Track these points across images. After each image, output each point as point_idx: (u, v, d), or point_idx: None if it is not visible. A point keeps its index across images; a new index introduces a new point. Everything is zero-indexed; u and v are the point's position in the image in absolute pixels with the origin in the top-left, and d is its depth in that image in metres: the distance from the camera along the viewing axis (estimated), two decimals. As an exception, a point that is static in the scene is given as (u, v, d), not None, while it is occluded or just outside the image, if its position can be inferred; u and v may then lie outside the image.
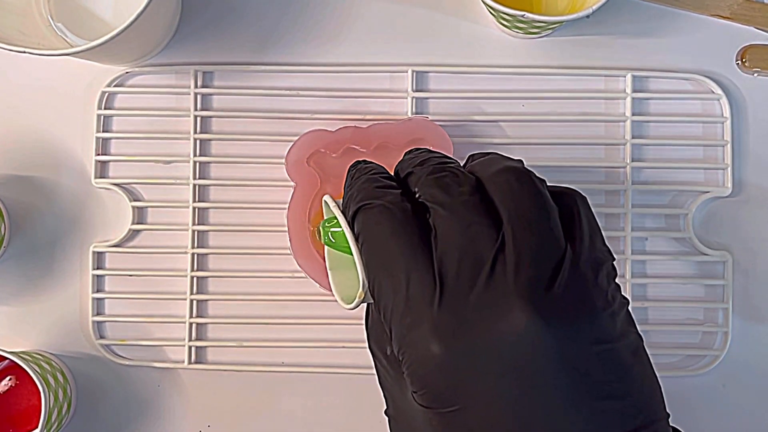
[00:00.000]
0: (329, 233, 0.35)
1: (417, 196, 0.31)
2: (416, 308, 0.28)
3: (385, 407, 0.33)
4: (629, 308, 0.30)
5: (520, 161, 0.32)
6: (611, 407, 0.27)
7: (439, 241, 0.29)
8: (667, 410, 0.30)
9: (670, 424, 0.30)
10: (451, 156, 0.34)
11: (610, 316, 0.28)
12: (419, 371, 0.28)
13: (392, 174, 0.34)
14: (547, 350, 0.27)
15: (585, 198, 0.31)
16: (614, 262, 0.31)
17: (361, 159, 0.35)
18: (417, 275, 0.29)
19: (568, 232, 0.29)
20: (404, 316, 0.29)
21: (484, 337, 0.27)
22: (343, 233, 0.33)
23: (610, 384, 0.28)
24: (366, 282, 0.31)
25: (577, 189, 0.31)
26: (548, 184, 0.31)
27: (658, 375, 0.30)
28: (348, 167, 0.35)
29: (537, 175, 0.31)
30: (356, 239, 0.32)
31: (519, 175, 0.30)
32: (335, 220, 0.35)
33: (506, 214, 0.29)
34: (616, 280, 0.30)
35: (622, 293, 0.30)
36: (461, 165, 0.33)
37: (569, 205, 0.31)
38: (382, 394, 0.33)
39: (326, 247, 0.37)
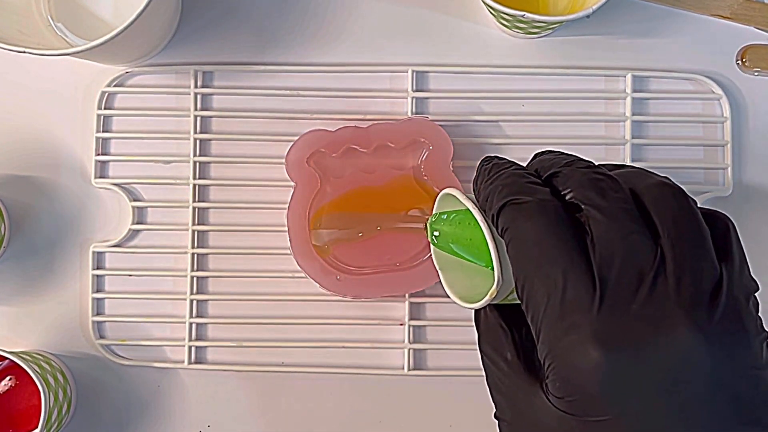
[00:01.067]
0: (434, 232, 0.34)
1: (569, 196, 0.30)
2: (574, 312, 0.28)
3: (495, 411, 0.32)
4: None
5: (668, 178, 0.31)
6: None
7: (597, 245, 0.28)
8: None
9: None
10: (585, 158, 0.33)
11: (760, 343, 0.28)
12: (571, 377, 0.28)
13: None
14: (706, 369, 0.27)
15: (734, 223, 0.31)
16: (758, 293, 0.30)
17: (492, 154, 0.34)
18: (575, 277, 0.28)
19: (720, 256, 0.29)
20: (560, 319, 0.28)
21: (646, 349, 0.27)
22: (450, 232, 0.31)
23: (758, 410, 0.27)
24: (501, 280, 0.30)
25: (725, 213, 0.31)
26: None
27: None
28: (479, 162, 0.33)
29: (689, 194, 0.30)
30: (500, 236, 0.30)
31: (676, 192, 0.30)
32: (436, 216, 0.34)
33: (665, 229, 0.28)
34: None
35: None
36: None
37: (721, 229, 0.30)
38: (490, 398, 0.32)
39: (432, 245, 0.36)
